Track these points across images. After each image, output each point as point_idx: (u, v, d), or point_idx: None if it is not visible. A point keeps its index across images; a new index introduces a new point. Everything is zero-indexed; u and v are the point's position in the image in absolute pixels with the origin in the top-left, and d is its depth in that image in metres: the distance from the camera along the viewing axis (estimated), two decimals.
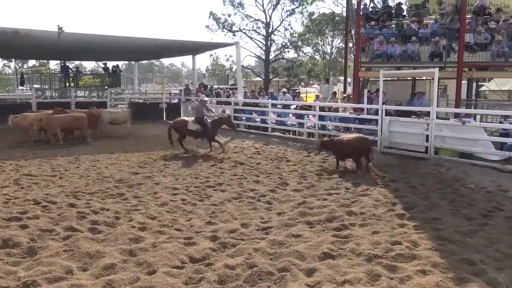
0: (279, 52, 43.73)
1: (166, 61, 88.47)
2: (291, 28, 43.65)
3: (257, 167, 10.44)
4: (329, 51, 51.75)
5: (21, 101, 22.16)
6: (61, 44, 17.93)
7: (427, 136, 10.96)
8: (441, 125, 10.91)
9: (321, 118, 14.27)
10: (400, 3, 19.88)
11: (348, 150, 9.86)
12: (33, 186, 8.30)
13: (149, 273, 4.52)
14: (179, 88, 30.62)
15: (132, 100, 24.55)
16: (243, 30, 41.72)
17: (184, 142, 12.73)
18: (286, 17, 41.85)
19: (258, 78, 47.09)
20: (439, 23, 16.18)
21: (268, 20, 41.51)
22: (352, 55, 19.11)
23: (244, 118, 17.70)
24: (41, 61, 43.45)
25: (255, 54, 44.11)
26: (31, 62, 48.81)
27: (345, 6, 26.67)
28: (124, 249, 5.10)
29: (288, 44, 42.94)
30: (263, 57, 42.78)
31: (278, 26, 42.31)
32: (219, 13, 43.52)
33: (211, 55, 44.35)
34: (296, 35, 43.14)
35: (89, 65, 49.46)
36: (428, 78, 16.77)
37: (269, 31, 41.75)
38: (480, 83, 20.53)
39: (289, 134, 15.91)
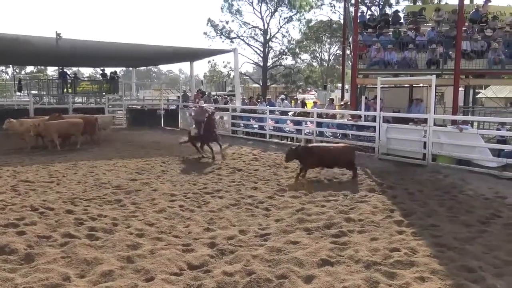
0: (277, 59, 43.87)
1: (164, 67, 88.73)
2: (289, 35, 43.96)
3: (255, 173, 10.42)
4: (326, 58, 52.03)
5: (18, 107, 22.11)
6: (59, 50, 17.96)
7: (425, 143, 10.99)
8: (438, 132, 10.95)
9: (319, 124, 14.30)
10: (397, 11, 20.06)
11: (329, 159, 9.52)
12: (30, 192, 8.26)
13: (147, 280, 4.50)
14: (177, 95, 30.60)
15: (130, 106, 24.53)
16: (241, 37, 41.88)
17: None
18: (284, 24, 42.06)
19: (256, 85, 47.20)
20: (436, 30, 16.29)
21: (266, 27, 41.70)
22: (349, 62, 19.23)
23: (242, 124, 17.71)
24: (39, 67, 43.40)
25: (253, 61, 44.32)
26: (29, 68, 48.85)
27: (342, 13, 26.93)
28: (122, 256, 5.07)
29: (286, 51, 43.10)
30: (261, 64, 42.89)
31: (276, 33, 42.51)
32: (217, 20, 43.56)
33: (209, 61, 44.36)
34: (294, 42, 43.34)
35: (87, 71, 49.51)
36: (425, 85, 16.86)
37: (267, 38, 41.91)
38: (477, 90, 20.62)
39: (287, 140, 15.93)
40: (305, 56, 46.87)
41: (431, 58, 15.39)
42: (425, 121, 11.17)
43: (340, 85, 33.17)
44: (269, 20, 41.56)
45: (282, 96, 21.43)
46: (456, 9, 15.90)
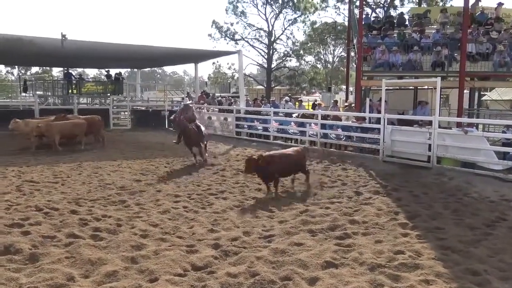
0: (281, 60, 43.94)
1: (168, 69, 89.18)
2: (293, 37, 44.03)
3: None
4: (331, 60, 51.99)
5: (24, 107, 22.23)
6: (64, 52, 18.04)
7: (430, 145, 10.96)
8: (443, 134, 10.91)
9: (323, 126, 14.29)
10: (402, 13, 20.03)
11: (292, 164, 8.71)
12: (35, 193, 8.29)
13: (151, 281, 4.50)
14: (181, 96, 30.69)
15: (134, 107, 24.61)
16: (246, 39, 42.03)
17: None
18: (288, 26, 42.19)
19: (260, 86, 47.27)
20: (441, 32, 16.25)
21: (270, 29, 41.81)
22: (354, 64, 19.19)
23: (246, 126, 17.72)
24: (44, 68, 43.65)
25: (257, 63, 44.40)
26: (34, 69, 49.09)
27: (347, 15, 26.91)
28: (126, 257, 5.08)
29: (290, 52, 43.16)
30: (265, 66, 42.96)
31: (280, 35, 42.62)
32: (222, 21, 43.81)
33: (213, 63, 44.52)
34: (298, 44, 43.42)
35: (92, 72, 49.75)
36: (430, 87, 16.81)
37: (271, 39, 41.99)
38: (482, 93, 20.55)
39: (291, 142, 15.93)
40: (310, 58, 46.99)
41: (436, 60, 15.35)
42: (430, 123, 11.13)
43: (344, 87, 33.11)
44: (274, 22, 41.74)
45: (286, 97, 21.43)
46: (461, 11, 15.86)
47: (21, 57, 23.48)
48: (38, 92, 26.32)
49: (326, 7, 40.92)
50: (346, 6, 33.22)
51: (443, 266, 4.84)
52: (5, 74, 60.31)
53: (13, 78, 54.41)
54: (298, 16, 41.49)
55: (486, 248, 5.45)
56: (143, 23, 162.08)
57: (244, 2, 41.00)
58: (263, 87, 45.09)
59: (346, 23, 27.35)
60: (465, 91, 16.45)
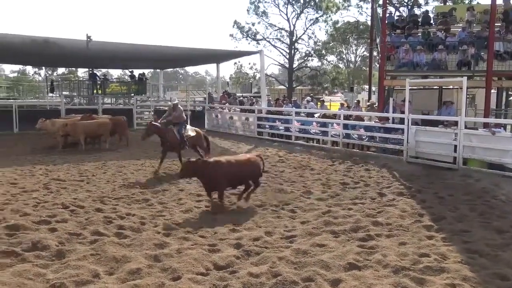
0: (303, 60, 43.71)
1: (190, 69, 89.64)
2: (315, 36, 43.64)
3: (281, 175, 10.40)
4: (353, 59, 51.51)
5: (50, 107, 22.77)
6: (89, 52, 18.41)
7: (455, 146, 10.73)
8: (470, 135, 10.67)
9: (346, 126, 14.16)
10: (427, 11, 19.68)
11: (240, 174, 7.49)
12: (62, 191, 8.49)
13: (174, 279, 4.54)
14: (203, 96, 30.89)
15: (157, 107, 24.90)
16: (267, 39, 41.95)
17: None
18: (310, 25, 41.87)
19: (282, 87, 47.15)
20: (467, 31, 15.89)
21: (292, 29, 41.62)
22: (376, 63, 18.96)
23: (267, 126, 17.73)
24: (70, 68, 44.61)
25: (279, 63, 44.31)
26: (61, 70, 50.18)
27: (370, 14, 26.58)
28: (150, 255, 5.14)
29: (312, 52, 42.88)
30: (287, 66, 42.83)
31: (302, 34, 42.37)
32: (243, 22, 43.74)
33: (235, 63, 44.56)
34: (320, 43, 43.07)
35: (116, 72, 50.57)
36: (455, 87, 16.45)
37: (293, 39, 41.81)
38: (510, 92, 19.96)
39: (313, 142, 15.85)
40: (332, 58, 46.55)
41: (462, 59, 15.01)
42: (455, 123, 10.90)
43: (367, 87, 32.74)
44: (295, 21, 41.52)
45: (308, 97, 21.32)
46: (488, 9, 15.47)
47: (48, 58, 24.10)
48: (64, 93, 26.93)
49: (348, 6, 40.48)
50: (369, 5, 32.74)
51: (470, 270, 4.72)
52: (32, 75, 61.89)
53: (40, 78, 55.81)
54: (320, 16, 41.18)
55: None
56: (166, 24, 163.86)
57: (265, 2, 40.97)
58: (284, 87, 44.96)
59: (369, 22, 26.97)
60: (492, 91, 16.02)
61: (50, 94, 29.54)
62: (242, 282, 4.44)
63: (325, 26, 42.85)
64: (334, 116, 15.30)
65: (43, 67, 46.84)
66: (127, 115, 17.63)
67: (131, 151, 14.22)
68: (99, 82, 26.14)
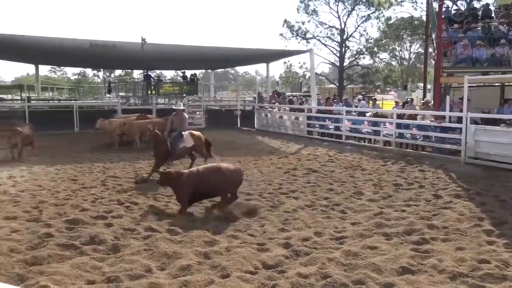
0: (354, 58, 42.90)
1: (240, 69, 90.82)
2: (367, 33, 42.48)
3: (331, 175, 10.24)
4: (407, 56, 49.84)
5: (108, 107, 23.82)
6: (144, 55, 19.06)
7: None
8: None
9: (399, 126, 13.71)
10: (487, 4, 18.65)
11: (214, 185, 6.97)
12: (118, 187, 8.84)
13: (223, 277, 4.58)
14: (253, 96, 31.10)
15: (208, 107, 25.37)
16: (317, 37, 41.58)
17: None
18: (362, 23, 41.08)
19: (332, 85, 46.51)
20: None
21: (342, 27, 40.99)
22: (432, 60, 18.21)
23: (317, 125, 17.55)
24: (126, 70, 46.48)
25: (329, 61, 43.73)
26: (117, 72, 52.42)
27: (425, 9, 25.60)
28: (200, 252, 5.23)
29: (364, 50, 41.98)
30: (337, 64, 42.21)
31: (353, 32, 41.68)
32: (293, 20, 43.61)
33: (284, 62, 44.49)
34: (372, 40, 42.05)
35: (169, 74, 52.09)
36: None
37: (344, 37, 41.14)
38: None
39: (364, 142, 15.49)
40: (384, 55, 45.31)
41: None
42: None
43: (421, 84, 31.53)
44: (346, 19, 40.88)
45: (359, 96, 20.87)
46: None
47: (106, 60, 25.21)
48: (120, 93, 28.09)
49: (402, 1, 39.27)
50: (424, 0, 31.58)
51: None
52: (91, 77, 65.07)
53: (98, 80, 58.53)
54: (372, 13, 40.30)
55: None
56: (217, 25, 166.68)
57: (315, 0, 40.67)
58: (335, 86, 44.33)
59: (424, 18, 25.99)
60: None
61: (108, 95, 30.94)
62: (290, 282, 4.40)
63: (377, 23, 41.79)
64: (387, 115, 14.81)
65: (102, 69, 49.05)
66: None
67: None
68: (153, 83, 27.04)
